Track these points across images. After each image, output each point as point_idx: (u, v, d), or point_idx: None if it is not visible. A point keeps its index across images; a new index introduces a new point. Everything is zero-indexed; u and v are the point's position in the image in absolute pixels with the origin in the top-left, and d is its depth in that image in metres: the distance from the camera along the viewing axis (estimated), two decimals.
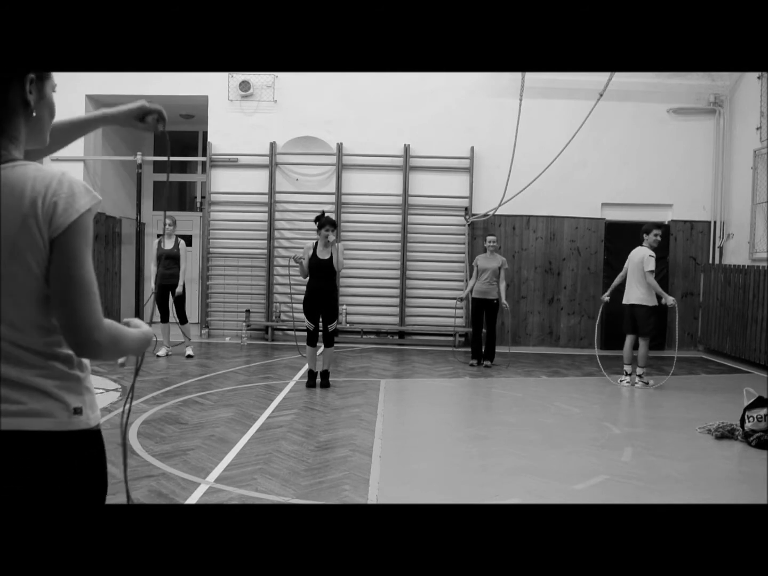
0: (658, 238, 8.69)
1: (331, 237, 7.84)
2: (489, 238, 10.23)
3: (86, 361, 1.80)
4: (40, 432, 1.65)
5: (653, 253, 8.61)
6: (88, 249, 1.66)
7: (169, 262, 9.98)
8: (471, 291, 10.12)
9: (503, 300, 9.98)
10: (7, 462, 1.61)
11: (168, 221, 10.14)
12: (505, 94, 11.67)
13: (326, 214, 8.13)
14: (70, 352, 1.71)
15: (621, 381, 8.84)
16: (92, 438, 1.77)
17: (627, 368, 8.85)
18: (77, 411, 1.71)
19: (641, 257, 8.58)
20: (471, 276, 10.41)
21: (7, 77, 1.69)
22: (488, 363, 10.14)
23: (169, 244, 10.04)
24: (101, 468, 1.81)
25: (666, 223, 12.15)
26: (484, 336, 10.21)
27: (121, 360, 1.90)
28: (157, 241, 10.19)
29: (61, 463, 1.69)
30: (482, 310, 10.09)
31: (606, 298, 9.08)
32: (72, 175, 1.69)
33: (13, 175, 1.62)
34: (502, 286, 10.02)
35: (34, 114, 1.74)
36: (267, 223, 12.30)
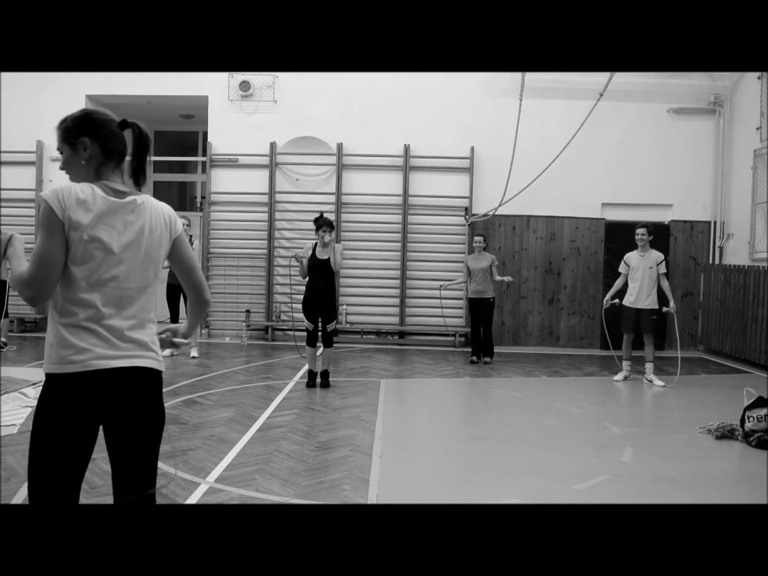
0: (637, 236, 8.83)
1: (327, 237, 7.87)
2: (476, 238, 10.53)
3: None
4: (152, 369, 2.57)
5: (627, 255, 8.99)
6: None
7: None
8: (462, 287, 10.73)
9: (504, 278, 10.25)
10: (134, 384, 2.52)
11: (184, 221, 10.08)
12: (505, 94, 11.64)
13: (325, 215, 8.16)
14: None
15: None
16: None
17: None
18: (160, 359, 2.64)
19: None
20: (464, 275, 10.69)
21: (147, 150, 2.66)
22: (487, 359, 10.36)
23: None
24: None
25: (666, 223, 12.16)
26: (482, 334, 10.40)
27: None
28: None
29: (158, 389, 2.63)
30: (479, 309, 10.30)
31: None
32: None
33: (153, 202, 2.67)
34: (498, 277, 10.27)
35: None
36: (267, 223, 12.30)
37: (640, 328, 8.82)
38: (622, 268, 9.01)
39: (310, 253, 7.98)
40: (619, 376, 9.06)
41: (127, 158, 2.63)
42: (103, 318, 2.45)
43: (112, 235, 2.46)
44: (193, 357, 10.05)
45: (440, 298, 11.26)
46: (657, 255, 8.80)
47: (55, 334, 2.43)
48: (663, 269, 8.75)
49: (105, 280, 2.45)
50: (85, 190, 2.44)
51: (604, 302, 9.10)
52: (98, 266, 2.43)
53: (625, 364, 9.07)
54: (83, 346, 2.41)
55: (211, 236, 12.45)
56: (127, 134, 2.62)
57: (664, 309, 8.75)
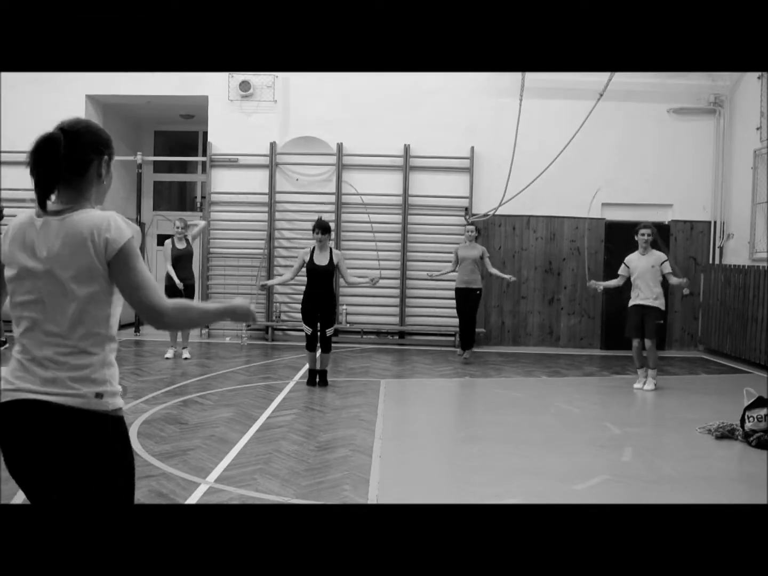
0: (642, 237, 8.57)
1: (324, 239, 7.90)
2: (468, 227, 10.62)
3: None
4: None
5: (628, 257, 8.75)
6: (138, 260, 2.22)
7: (186, 260, 10.07)
8: (442, 274, 10.87)
9: (506, 276, 10.38)
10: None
11: (179, 224, 10.08)
12: (506, 94, 11.63)
13: (323, 217, 8.21)
14: None
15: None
16: None
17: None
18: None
19: None
20: (452, 264, 10.72)
21: (89, 159, 2.25)
22: (467, 356, 10.46)
23: (181, 245, 10.07)
24: None
25: (666, 223, 12.15)
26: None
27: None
28: (168, 241, 10.15)
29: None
30: (465, 300, 10.37)
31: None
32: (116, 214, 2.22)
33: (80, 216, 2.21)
34: (495, 270, 10.41)
35: (104, 183, 2.36)
36: (267, 223, 12.30)
37: (644, 330, 8.51)
38: (621, 270, 8.75)
39: (306, 258, 7.97)
40: (638, 384, 8.69)
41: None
42: None
43: None
44: (185, 358, 10.00)
45: (430, 276, 11.25)
46: (659, 255, 8.52)
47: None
48: (668, 269, 8.53)
49: None
50: None
51: (591, 282, 9.13)
52: None
53: (640, 372, 8.73)
54: None
55: (211, 236, 12.44)
56: None
57: (678, 281, 8.47)
